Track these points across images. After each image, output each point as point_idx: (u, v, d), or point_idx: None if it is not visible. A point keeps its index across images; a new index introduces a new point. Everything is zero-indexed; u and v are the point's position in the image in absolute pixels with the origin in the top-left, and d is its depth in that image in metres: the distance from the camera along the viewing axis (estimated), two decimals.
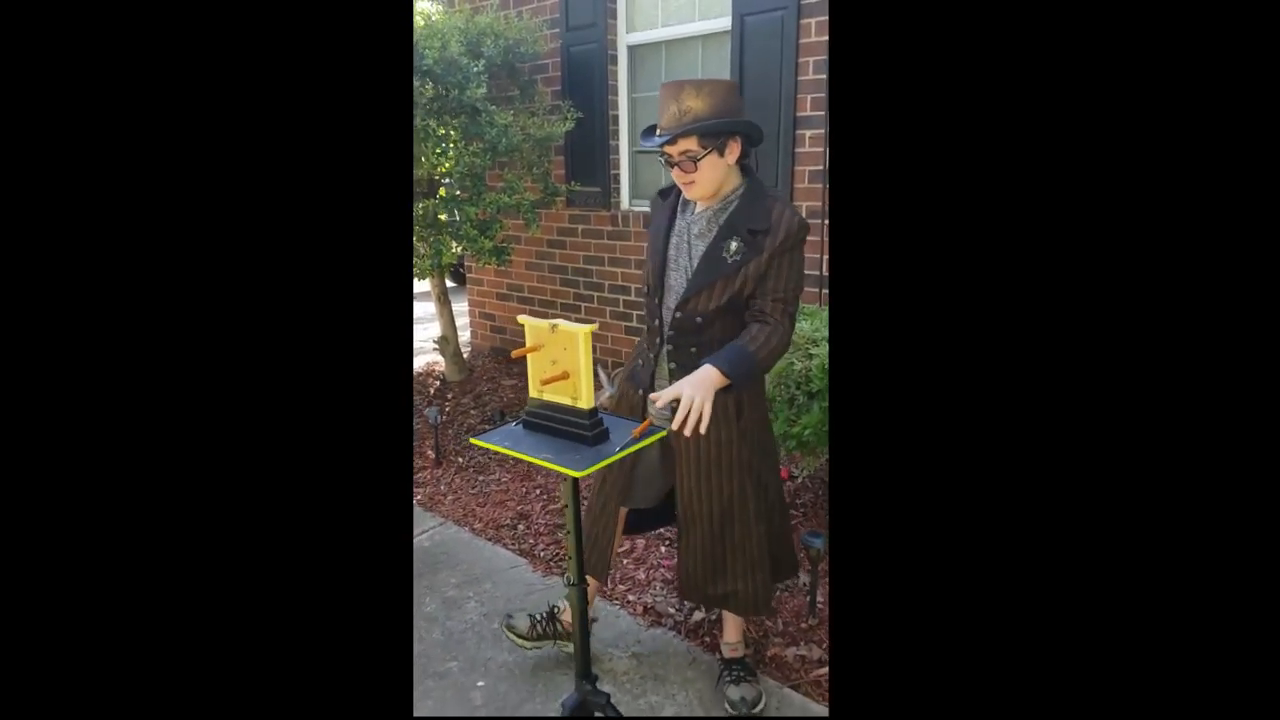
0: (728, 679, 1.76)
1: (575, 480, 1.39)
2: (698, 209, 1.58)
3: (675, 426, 1.33)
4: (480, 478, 3.00)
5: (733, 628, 1.83)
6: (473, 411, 3.62)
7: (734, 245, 1.51)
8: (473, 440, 1.45)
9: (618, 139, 3.64)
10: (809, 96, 2.90)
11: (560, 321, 1.34)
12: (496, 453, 3.18)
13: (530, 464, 2.80)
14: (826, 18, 2.81)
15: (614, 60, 3.56)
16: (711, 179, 1.50)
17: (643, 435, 1.35)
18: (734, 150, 1.50)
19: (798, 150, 2.96)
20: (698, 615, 2.08)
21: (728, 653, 1.82)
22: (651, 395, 1.40)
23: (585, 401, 1.33)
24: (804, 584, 2.16)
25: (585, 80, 3.58)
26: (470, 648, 1.99)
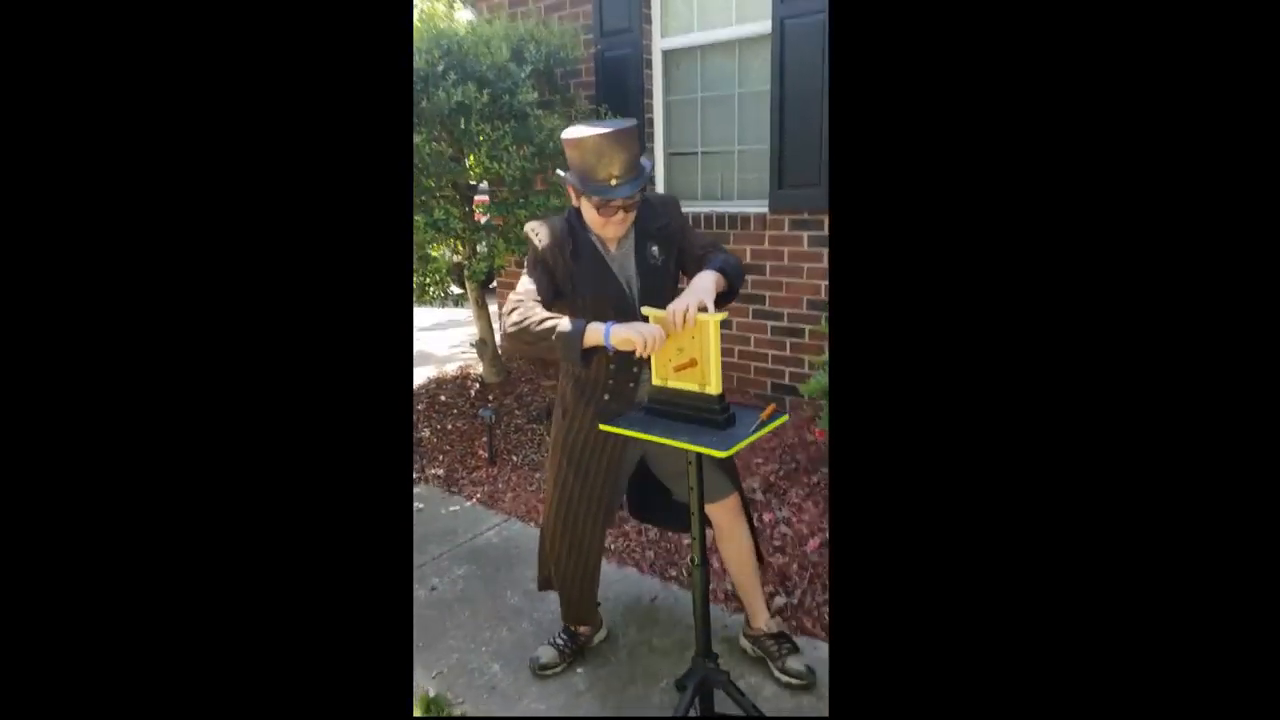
0: (784, 653, 1.83)
1: (700, 463, 1.45)
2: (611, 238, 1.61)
3: (677, 323, 1.38)
4: (537, 475, 3.05)
5: (761, 600, 1.90)
6: (517, 412, 3.67)
7: (654, 248, 1.61)
8: (603, 427, 1.51)
9: (653, 142, 3.71)
10: None
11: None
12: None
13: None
14: None
15: (649, 65, 3.64)
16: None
17: (771, 418, 1.41)
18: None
19: None
20: (779, 600, 2.14)
21: (773, 628, 1.87)
22: (670, 307, 1.41)
23: (715, 387, 1.40)
24: None
25: (620, 85, 3.65)
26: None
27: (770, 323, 3.39)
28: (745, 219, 3.38)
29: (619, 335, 1.40)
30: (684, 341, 1.42)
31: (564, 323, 1.44)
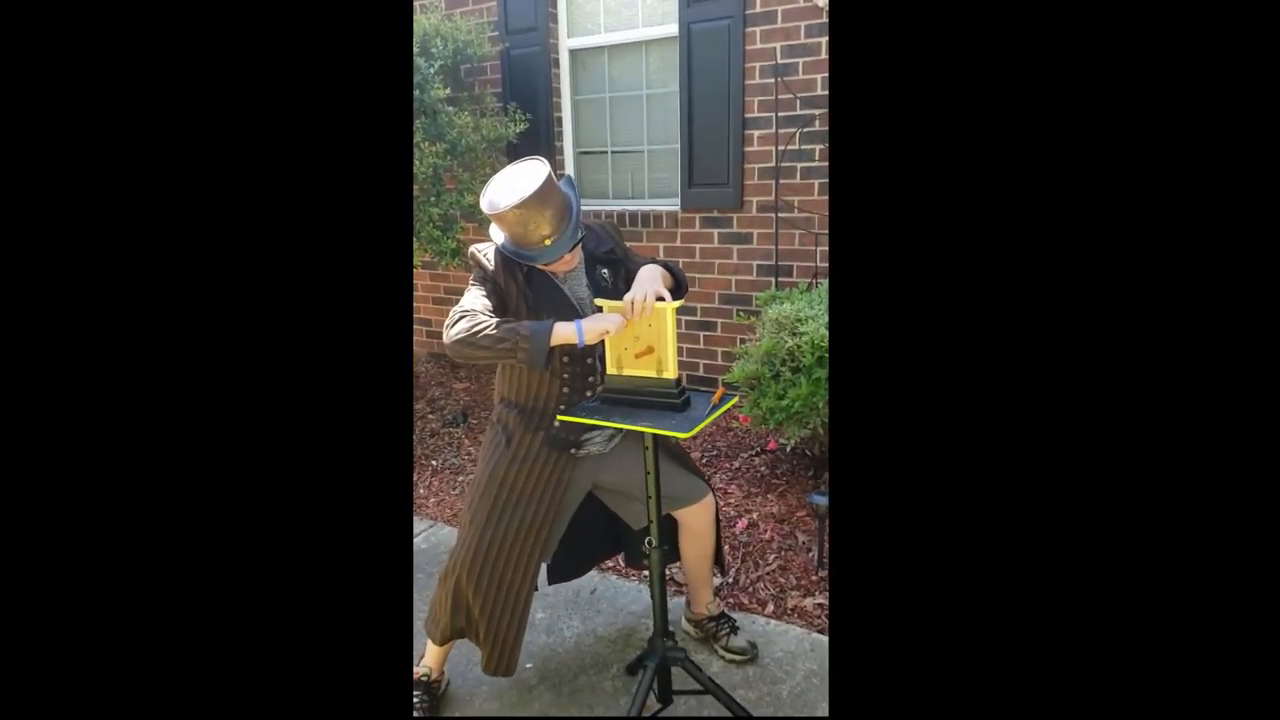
0: (726, 633, 1.91)
1: (656, 447, 1.50)
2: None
3: (635, 312, 1.43)
4: (459, 479, 3.00)
5: (709, 589, 1.94)
6: (430, 416, 3.58)
7: (604, 271, 1.65)
8: (561, 418, 1.52)
9: (562, 141, 3.73)
10: (755, 99, 3.12)
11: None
12: (471, 454, 3.18)
13: None
14: (771, 27, 3.04)
15: (556, 64, 3.65)
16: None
17: (722, 401, 1.48)
18: None
19: (747, 149, 3.18)
20: (716, 580, 2.22)
21: (715, 610, 1.94)
22: (628, 296, 1.43)
23: (672, 372, 1.45)
24: (803, 543, 2.36)
25: (528, 84, 3.64)
26: None
27: (685, 317, 3.48)
28: (657, 217, 3.46)
29: (592, 328, 1.43)
30: (640, 330, 1.46)
31: (525, 325, 1.43)
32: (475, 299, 1.51)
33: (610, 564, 2.36)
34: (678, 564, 1.91)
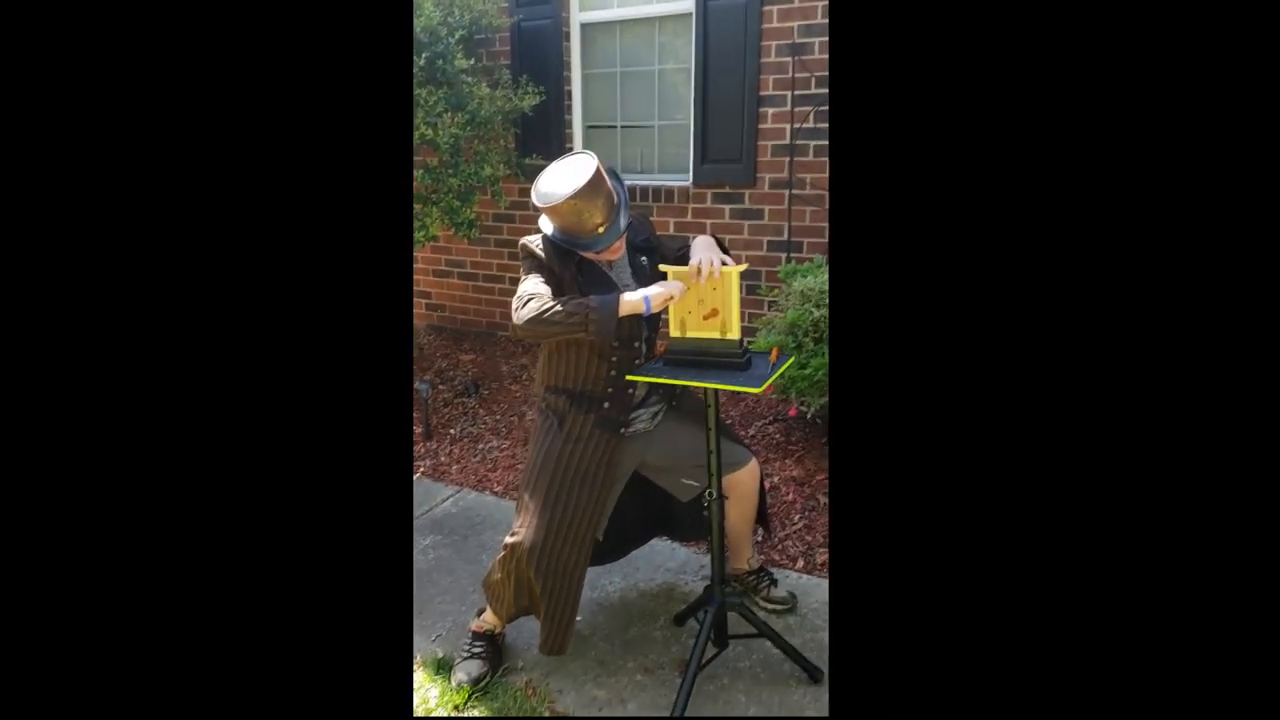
0: (766, 585, 2.02)
1: (717, 405, 1.58)
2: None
3: (702, 277, 1.53)
4: (479, 446, 3.05)
5: (751, 546, 2.05)
6: (441, 387, 3.61)
7: (643, 259, 1.74)
8: (630, 377, 1.59)
9: (571, 114, 3.75)
10: (771, 77, 3.19)
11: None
12: (490, 421, 3.23)
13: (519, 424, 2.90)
14: (788, 6, 3.10)
15: (567, 37, 3.66)
16: None
17: (780, 359, 1.57)
18: None
19: (761, 126, 3.25)
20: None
21: (755, 565, 2.05)
22: (693, 262, 1.54)
23: (735, 333, 1.53)
24: (824, 504, 2.48)
25: (539, 57, 3.65)
26: None
27: None
28: (669, 192, 3.51)
29: (658, 295, 1.51)
30: (705, 294, 1.53)
31: (593, 299, 1.51)
32: (536, 284, 1.59)
33: None
34: (694, 543, 2.04)
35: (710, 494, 1.64)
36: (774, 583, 2.02)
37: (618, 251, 1.67)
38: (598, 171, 1.53)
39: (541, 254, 1.63)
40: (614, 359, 1.66)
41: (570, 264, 1.62)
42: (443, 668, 1.84)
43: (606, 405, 1.68)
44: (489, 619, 1.86)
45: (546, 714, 1.71)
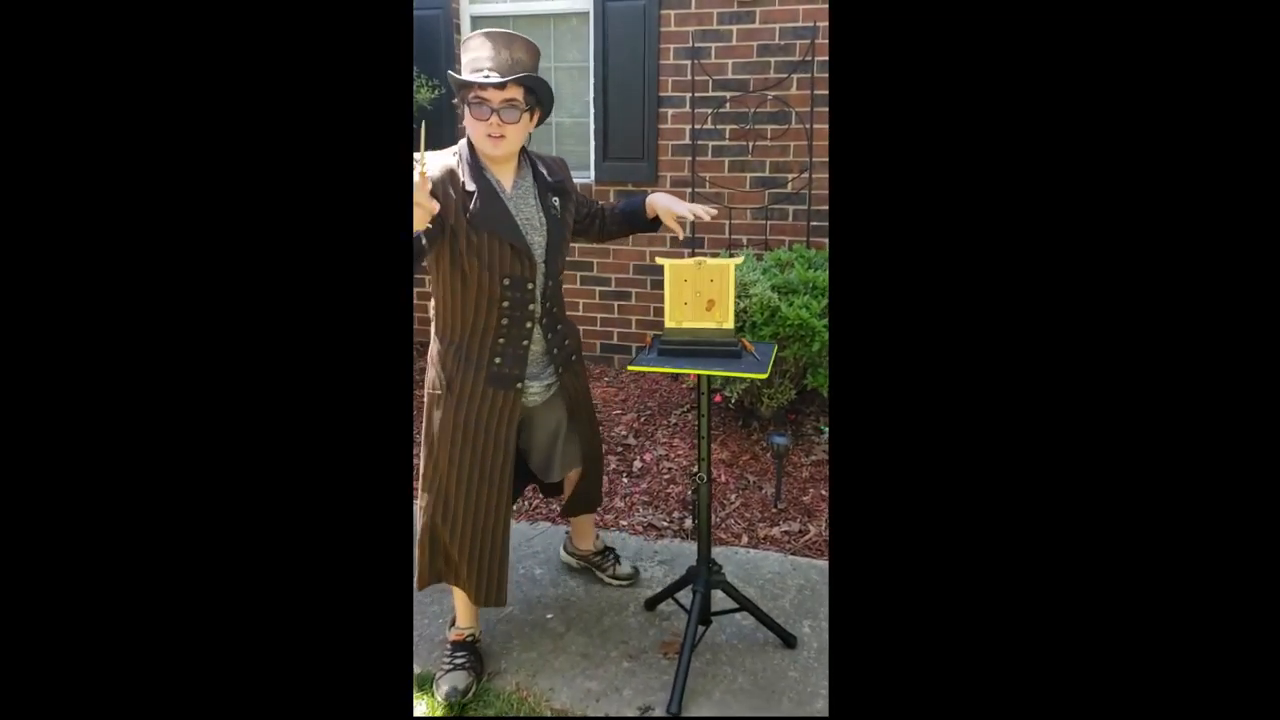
0: (612, 563, 2.14)
1: (710, 389, 1.67)
2: (505, 177, 1.61)
3: (703, 214, 1.69)
4: None
5: (593, 527, 2.14)
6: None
7: (555, 200, 1.67)
8: (630, 368, 1.63)
9: None
10: (669, 79, 3.31)
11: (705, 258, 1.60)
12: None
13: None
14: (684, 11, 3.23)
15: (459, 30, 3.56)
16: (518, 140, 1.56)
17: (761, 349, 1.69)
18: (535, 118, 1.61)
19: (661, 126, 3.37)
20: (688, 523, 2.43)
21: (600, 547, 2.14)
22: (679, 215, 1.68)
23: (730, 323, 1.62)
24: (754, 482, 2.65)
25: (430, 49, 3.52)
26: (525, 588, 2.11)
27: (599, 288, 3.61)
28: None
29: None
30: (703, 286, 1.61)
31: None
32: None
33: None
34: (557, 498, 2.14)
35: (700, 478, 1.72)
36: (618, 560, 2.15)
37: (499, 143, 1.53)
38: (525, 41, 1.53)
39: (429, 172, 1.48)
40: (505, 305, 1.59)
41: (459, 183, 1.53)
42: (424, 683, 1.77)
43: (499, 360, 1.62)
44: (461, 622, 1.82)
45: (548, 714, 1.70)
